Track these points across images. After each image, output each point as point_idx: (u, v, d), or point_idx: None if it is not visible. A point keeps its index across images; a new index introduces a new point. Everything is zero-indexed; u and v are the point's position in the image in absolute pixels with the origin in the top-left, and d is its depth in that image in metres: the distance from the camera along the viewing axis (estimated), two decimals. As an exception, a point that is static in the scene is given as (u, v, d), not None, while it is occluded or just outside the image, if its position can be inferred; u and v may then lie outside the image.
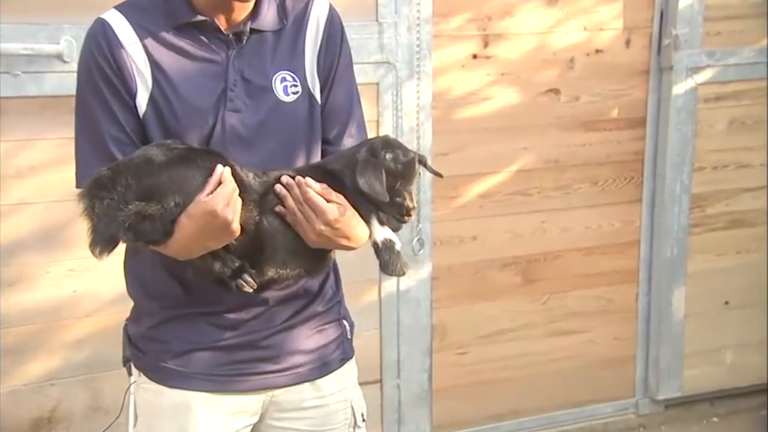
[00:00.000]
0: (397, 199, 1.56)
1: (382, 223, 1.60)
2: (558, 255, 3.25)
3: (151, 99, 1.58)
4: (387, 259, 1.59)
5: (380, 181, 1.52)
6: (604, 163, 3.25)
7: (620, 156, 3.27)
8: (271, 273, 1.61)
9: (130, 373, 1.79)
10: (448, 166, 3.03)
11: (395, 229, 1.65)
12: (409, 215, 1.57)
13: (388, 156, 1.54)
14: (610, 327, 3.39)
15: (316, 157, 1.70)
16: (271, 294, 1.69)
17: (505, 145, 3.13)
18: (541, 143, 3.16)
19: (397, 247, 1.60)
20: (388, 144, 1.56)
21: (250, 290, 1.60)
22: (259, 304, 1.69)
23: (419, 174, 1.63)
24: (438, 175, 1.68)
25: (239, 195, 1.52)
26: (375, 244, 1.61)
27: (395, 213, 1.58)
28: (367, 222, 1.60)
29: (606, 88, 3.20)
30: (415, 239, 3.06)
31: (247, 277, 1.59)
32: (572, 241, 3.26)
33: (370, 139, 1.61)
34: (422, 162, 1.61)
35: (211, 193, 1.49)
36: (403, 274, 1.59)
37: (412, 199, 1.56)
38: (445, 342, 3.19)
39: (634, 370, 3.46)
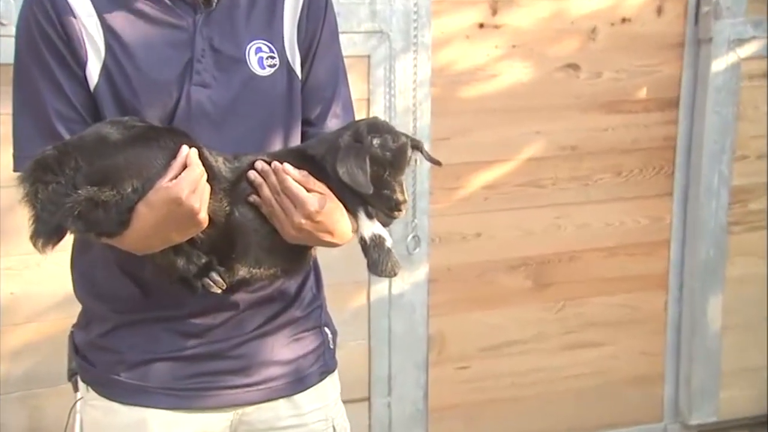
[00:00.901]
0: (385, 191, 1.57)
1: (370, 216, 1.61)
2: (575, 256, 3.28)
3: (104, 69, 1.59)
4: (376, 258, 1.60)
5: (363, 170, 1.53)
6: (630, 151, 3.28)
7: (649, 142, 3.29)
8: (242, 272, 1.62)
9: (76, 389, 1.81)
10: (449, 153, 3.05)
11: (385, 224, 1.66)
12: (399, 210, 1.58)
13: (375, 141, 1.55)
14: (635, 340, 3.42)
15: (296, 141, 1.71)
16: (242, 296, 1.71)
17: (515, 129, 3.15)
18: (556, 127, 3.18)
19: (388, 243, 1.61)
20: (376, 127, 1.58)
21: (218, 291, 1.61)
22: (228, 308, 1.71)
23: (415, 162, 1.65)
24: (436, 163, 1.65)
25: (207, 182, 1.53)
26: (362, 241, 1.62)
27: (383, 207, 1.60)
28: (354, 215, 1.62)
29: (633, 64, 3.21)
30: (410, 236, 3.08)
31: (215, 276, 1.60)
32: (591, 239, 3.29)
33: (357, 122, 1.63)
34: (417, 148, 1.63)
35: (175, 177, 1.50)
36: (395, 274, 1.61)
37: (403, 192, 1.58)
38: (443, 354, 3.21)
39: (662, 390, 3.49)
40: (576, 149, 3.21)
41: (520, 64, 3.10)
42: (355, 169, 1.53)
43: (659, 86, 3.26)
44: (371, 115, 2.94)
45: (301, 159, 1.60)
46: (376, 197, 1.58)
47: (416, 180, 3.04)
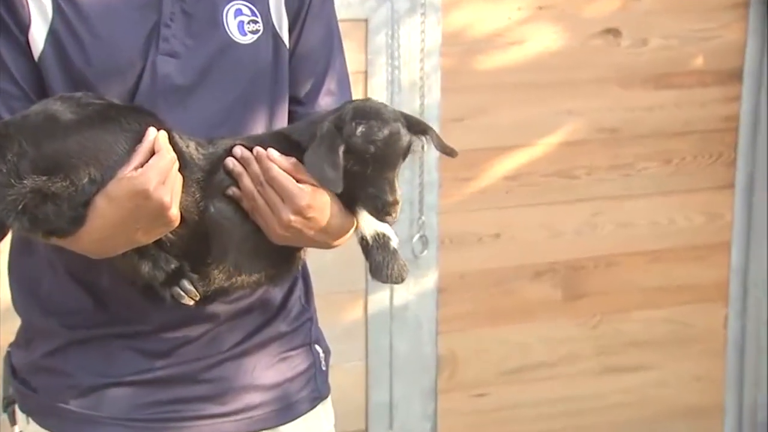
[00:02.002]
0: (370, 189, 1.58)
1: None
2: (613, 260, 3.28)
3: (52, 34, 1.60)
4: (379, 261, 1.62)
5: (334, 164, 1.54)
6: (682, 134, 3.29)
7: (705, 123, 3.31)
8: (219, 279, 1.64)
9: (13, 421, 1.79)
10: (463, 137, 3.06)
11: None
12: (388, 213, 1.58)
13: (360, 129, 1.55)
14: (687, 363, 3.43)
15: (282, 122, 1.72)
16: (218, 308, 1.72)
17: (542, 108, 3.15)
18: (592, 105, 3.18)
19: (394, 244, 1.63)
20: (363, 112, 1.57)
21: (191, 303, 1.63)
22: (201, 321, 1.72)
23: (422, 149, 1.64)
24: (449, 153, 1.64)
25: (179, 171, 1.54)
26: (363, 240, 1.64)
27: (369, 208, 1.60)
28: (353, 210, 1.63)
29: (686, 28, 3.23)
30: (416, 236, 3.08)
31: (186, 284, 1.62)
32: (634, 241, 3.30)
33: (346, 104, 1.62)
34: (423, 133, 1.62)
35: (141, 166, 1.50)
36: (402, 280, 1.63)
37: (392, 191, 1.57)
38: (455, 379, 3.22)
39: (721, 422, 3.50)
40: (616, 132, 3.22)
41: (548, 29, 3.11)
42: (323, 162, 1.54)
43: (718, 55, 3.27)
44: (369, 92, 2.96)
45: (284, 145, 1.61)
46: (361, 196, 1.59)
47: (423, 169, 3.05)
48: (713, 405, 3.50)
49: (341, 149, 1.55)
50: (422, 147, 1.64)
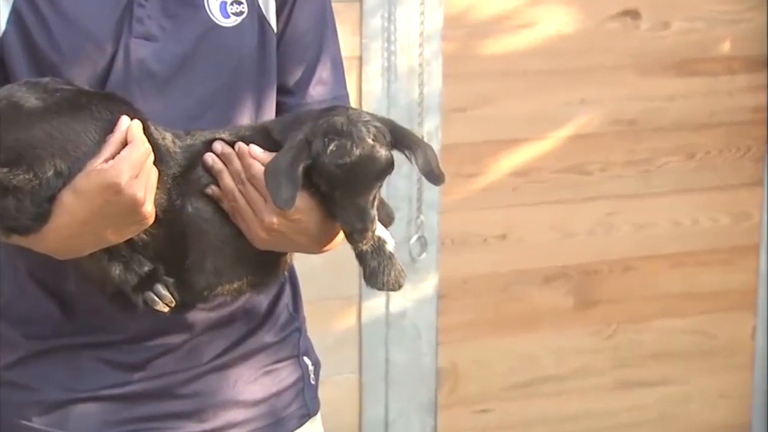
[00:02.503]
0: (339, 212, 1.58)
1: None
2: (631, 265, 3.29)
3: (15, 14, 1.60)
4: (374, 266, 1.62)
5: (292, 182, 1.54)
6: (707, 126, 3.30)
7: (732, 114, 3.31)
8: (198, 285, 1.64)
9: None
10: (466, 128, 3.07)
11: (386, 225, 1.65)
12: (354, 240, 1.58)
13: (330, 148, 1.54)
14: (711, 377, 3.43)
15: (269, 114, 1.73)
16: (196, 316, 1.73)
17: (554, 97, 3.16)
18: (608, 94, 3.19)
19: (390, 247, 1.63)
20: (337, 127, 1.56)
21: (165, 310, 1.62)
22: (178, 331, 1.72)
23: (384, 178, 1.58)
24: (434, 179, 1.60)
25: (154, 165, 1.54)
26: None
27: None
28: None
29: (712, 10, 3.23)
30: (415, 237, 3.09)
31: (161, 289, 1.62)
32: (653, 243, 3.31)
33: (327, 112, 1.60)
34: (408, 148, 1.58)
35: (112, 158, 1.51)
36: (399, 287, 1.63)
37: (362, 218, 1.56)
38: (457, 393, 3.23)
39: (748, 443, 3.54)
40: (634, 124, 3.22)
41: (560, 11, 3.12)
42: (281, 176, 1.54)
43: (746, 40, 3.28)
44: (363, 80, 2.96)
45: (267, 141, 1.62)
46: (334, 216, 1.59)
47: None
48: (739, 424, 3.50)
49: (303, 166, 1.55)
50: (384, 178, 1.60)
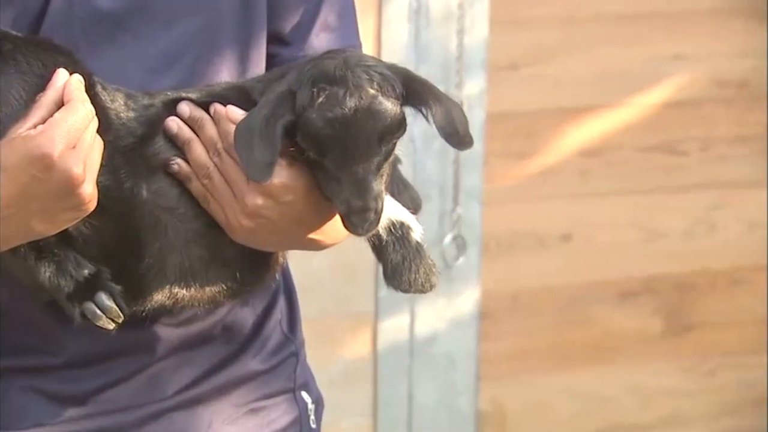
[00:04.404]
0: (332, 185, 1.57)
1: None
2: (739, 277, 3.30)
3: None
4: (397, 261, 1.63)
5: (267, 142, 1.53)
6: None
7: None
8: (159, 295, 1.64)
9: None
10: (518, 92, 3.08)
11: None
12: (352, 224, 1.56)
13: (319, 100, 1.54)
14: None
15: (257, 70, 1.73)
16: (159, 334, 1.73)
17: (637, 51, 3.16)
18: (711, 48, 3.19)
19: (416, 236, 1.64)
20: (328, 72, 1.55)
21: (110, 327, 1.62)
22: (135, 353, 1.73)
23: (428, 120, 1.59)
24: (459, 143, 1.58)
25: (98, 134, 1.54)
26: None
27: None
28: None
29: None
30: (449, 237, 3.10)
31: (104, 299, 1.61)
32: (769, 249, 3.34)
33: (321, 56, 1.61)
34: (425, 104, 1.57)
35: (43, 122, 1.50)
36: (430, 288, 1.64)
37: (362, 192, 1.54)
38: (504, 445, 3.26)
39: None
40: (746, 87, 3.22)
41: (647, -63, 3.13)
42: (253, 138, 1.54)
43: None
44: (383, 26, 2.96)
45: (245, 105, 1.62)
46: (325, 193, 1.59)
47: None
48: None
49: (282, 123, 1.54)
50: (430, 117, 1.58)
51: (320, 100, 1.53)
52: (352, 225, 1.56)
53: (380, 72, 1.56)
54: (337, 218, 1.61)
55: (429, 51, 3.00)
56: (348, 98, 1.53)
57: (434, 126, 1.58)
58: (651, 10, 3.16)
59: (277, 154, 1.54)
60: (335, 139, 1.53)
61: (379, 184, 1.55)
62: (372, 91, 1.54)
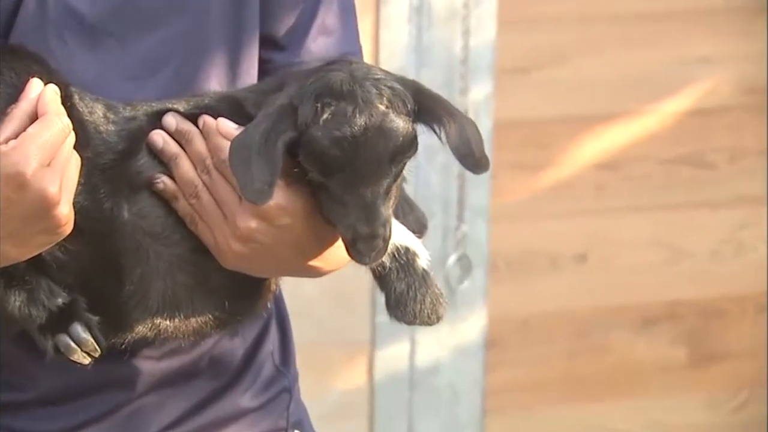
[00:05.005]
0: (337, 209, 1.57)
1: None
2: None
3: None
4: (402, 290, 1.63)
5: (268, 163, 1.53)
6: None
7: None
8: (141, 326, 1.64)
9: None
10: (530, 99, 3.08)
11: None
12: (360, 253, 1.56)
13: (324, 116, 1.54)
14: None
15: (248, 77, 1.74)
16: (140, 368, 1.73)
17: (659, 53, 3.16)
18: (740, 49, 3.21)
19: (422, 262, 1.65)
20: (333, 86, 1.55)
21: (85, 362, 1.61)
22: (113, 388, 1.73)
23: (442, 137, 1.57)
24: (474, 166, 1.59)
25: (76, 150, 1.54)
26: None
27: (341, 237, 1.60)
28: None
29: None
30: (453, 257, 3.10)
31: (80, 331, 1.61)
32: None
33: (324, 67, 1.61)
34: (438, 122, 1.58)
35: (16, 136, 1.50)
36: (437, 319, 1.64)
37: (369, 217, 1.55)
38: (513, 487, 3.25)
39: None
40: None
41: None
42: (251, 156, 1.53)
43: None
44: (381, 26, 2.96)
45: (236, 117, 1.62)
46: (329, 217, 1.58)
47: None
48: None
49: (284, 139, 1.54)
50: (445, 135, 1.58)
51: (325, 116, 1.54)
52: (357, 253, 1.56)
53: (390, 86, 1.56)
54: (339, 244, 1.61)
55: (431, 54, 3.00)
56: (357, 116, 1.53)
57: (448, 146, 1.57)
58: (674, 9, 3.17)
59: (278, 173, 1.53)
60: (342, 159, 1.53)
61: (388, 209, 1.55)
62: (382, 108, 1.55)
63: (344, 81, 1.55)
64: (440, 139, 1.58)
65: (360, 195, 1.54)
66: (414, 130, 1.56)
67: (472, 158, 1.59)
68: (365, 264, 1.58)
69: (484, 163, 1.59)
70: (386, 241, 1.54)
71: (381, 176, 1.54)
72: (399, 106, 1.56)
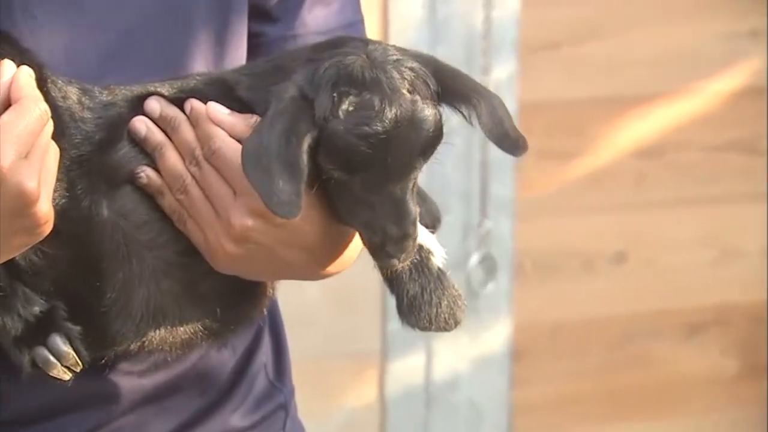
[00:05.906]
0: (361, 211, 1.58)
1: None
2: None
3: None
4: (415, 293, 1.64)
5: (291, 168, 1.52)
6: None
7: None
8: (125, 337, 1.65)
9: None
10: (558, 78, 3.11)
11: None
12: (390, 256, 1.57)
13: (345, 107, 1.53)
14: None
15: (236, 55, 1.76)
16: (121, 384, 1.75)
17: (705, 27, 3.19)
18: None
19: (437, 262, 1.65)
20: (353, 73, 1.55)
21: (65, 377, 1.62)
22: (92, 406, 1.75)
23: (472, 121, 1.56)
24: (512, 147, 1.57)
25: (53, 140, 1.54)
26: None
27: (363, 240, 1.60)
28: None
29: None
30: (475, 257, 3.13)
31: (60, 344, 1.62)
32: None
33: (331, 48, 1.59)
34: (467, 103, 1.57)
35: None
36: (454, 325, 1.65)
37: (401, 218, 1.56)
38: None
39: None
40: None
41: None
42: (273, 163, 1.52)
43: None
44: (391, 1, 2.99)
45: (226, 102, 1.62)
46: (349, 219, 1.59)
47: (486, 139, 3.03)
48: None
49: (306, 142, 1.53)
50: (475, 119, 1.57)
51: (348, 108, 1.52)
52: (386, 256, 1.56)
53: (410, 67, 1.56)
54: (341, 240, 1.63)
55: (448, 28, 3.00)
56: (387, 108, 1.52)
57: (481, 129, 1.56)
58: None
59: (304, 180, 1.51)
60: (371, 156, 1.52)
61: (415, 205, 1.55)
62: (409, 96, 1.53)
63: (365, 67, 1.54)
64: (468, 121, 1.57)
65: (388, 193, 1.55)
66: (440, 116, 1.55)
67: (508, 140, 1.58)
68: (394, 267, 1.58)
69: (522, 144, 1.58)
70: (416, 240, 1.55)
71: (410, 171, 1.55)
72: (423, 89, 1.56)
